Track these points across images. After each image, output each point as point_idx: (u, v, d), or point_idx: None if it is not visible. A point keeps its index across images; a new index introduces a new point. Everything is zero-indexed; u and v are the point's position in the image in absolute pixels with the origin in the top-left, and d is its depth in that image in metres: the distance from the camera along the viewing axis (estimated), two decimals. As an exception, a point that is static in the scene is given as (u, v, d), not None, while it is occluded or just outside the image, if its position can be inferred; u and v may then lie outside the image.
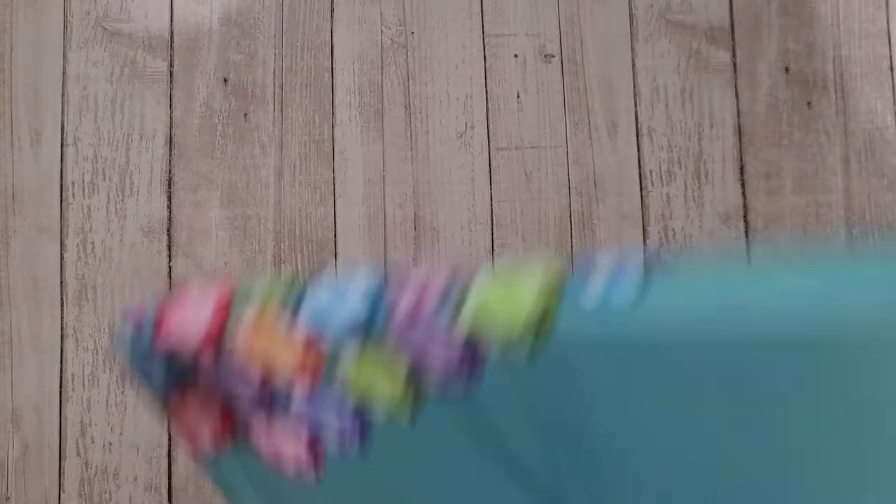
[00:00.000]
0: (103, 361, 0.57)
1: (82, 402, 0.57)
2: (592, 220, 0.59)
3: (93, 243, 0.57)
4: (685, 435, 0.27)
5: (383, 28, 0.61)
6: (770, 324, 0.25)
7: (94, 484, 0.57)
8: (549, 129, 0.60)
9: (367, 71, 0.60)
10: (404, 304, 0.28)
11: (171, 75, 0.59)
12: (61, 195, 0.58)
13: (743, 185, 0.61)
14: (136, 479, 0.56)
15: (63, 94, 0.58)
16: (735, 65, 0.62)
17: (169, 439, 0.57)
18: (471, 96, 0.60)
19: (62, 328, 0.57)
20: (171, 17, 0.60)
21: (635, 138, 0.60)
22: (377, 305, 0.29)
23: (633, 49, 0.61)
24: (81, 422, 0.57)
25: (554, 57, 0.61)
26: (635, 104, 0.61)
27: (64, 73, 0.59)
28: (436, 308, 0.27)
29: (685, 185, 0.60)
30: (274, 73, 0.59)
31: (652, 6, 0.62)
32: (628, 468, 0.28)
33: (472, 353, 0.26)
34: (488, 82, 0.61)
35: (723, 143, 0.61)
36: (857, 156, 0.61)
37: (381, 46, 0.60)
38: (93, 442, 0.57)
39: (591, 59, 0.61)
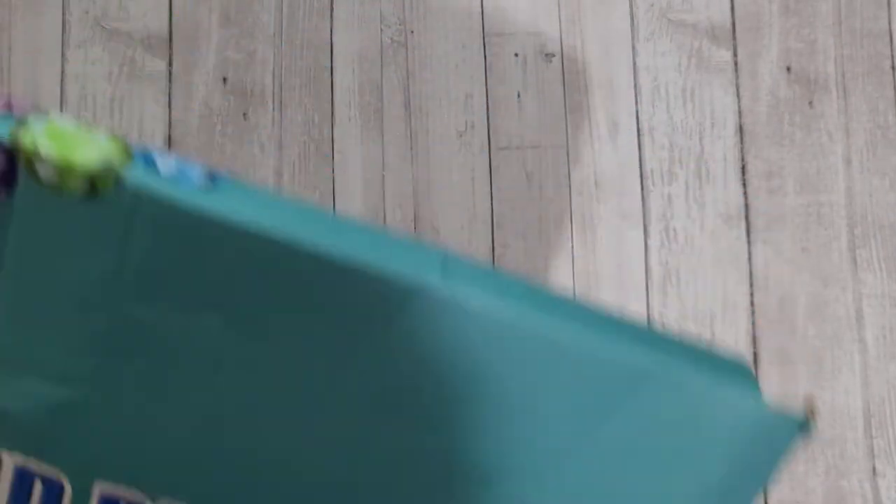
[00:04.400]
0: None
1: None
2: (593, 220, 0.58)
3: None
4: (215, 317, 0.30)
5: (383, 27, 0.61)
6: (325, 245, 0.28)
7: None
8: (550, 129, 0.60)
9: (366, 70, 0.60)
10: None
11: (169, 74, 0.59)
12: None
13: (744, 185, 0.61)
14: None
15: (62, 93, 0.58)
16: (736, 64, 0.62)
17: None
18: (471, 95, 0.60)
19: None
20: (170, 16, 0.60)
21: (636, 138, 0.60)
22: None
23: (633, 48, 0.61)
24: None
25: (554, 56, 0.61)
26: (636, 103, 0.60)
27: (62, 72, 0.59)
28: None
29: (686, 184, 0.60)
30: (273, 73, 0.59)
31: (653, 5, 0.62)
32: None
33: (10, 162, 0.27)
34: (488, 81, 0.61)
35: (724, 142, 0.61)
36: (859, 155, 0.61)
37: (381, 45, 0.60)
38: None
39: (591, 58, 0.61)
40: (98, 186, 0.27)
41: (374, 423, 0.30)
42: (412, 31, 0.61)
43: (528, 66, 0.61)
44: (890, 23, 0.62)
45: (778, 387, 0.58)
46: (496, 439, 0.30)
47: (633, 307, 0.58)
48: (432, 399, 0.30)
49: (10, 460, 0.31)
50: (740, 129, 0.61)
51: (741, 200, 0.60)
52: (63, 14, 0.60)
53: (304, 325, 0.30)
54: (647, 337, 0.31)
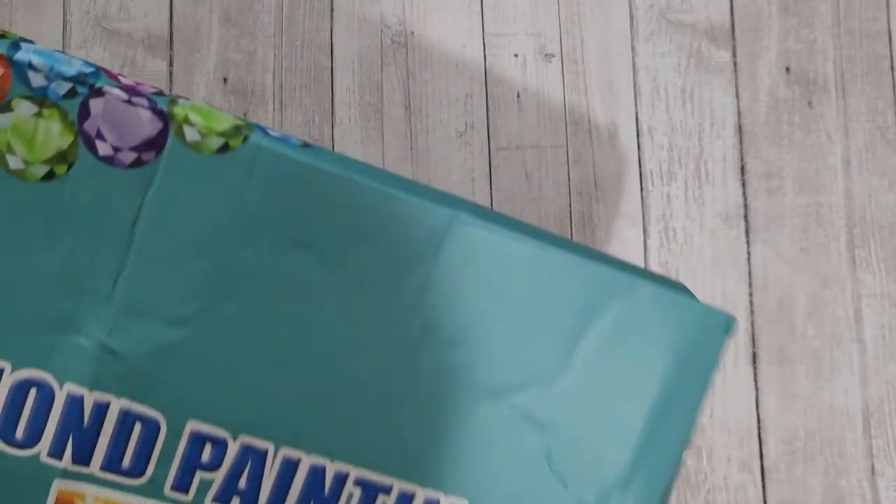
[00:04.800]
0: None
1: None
2: (592, 220, 0.58)
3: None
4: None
5: (383, 27, 0.61)
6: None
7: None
8: (550, 129, 0.60)
9: (366, 70, 0.60)
10: (123, 80, 0.36)
11: (170, 75, 0.59)
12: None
13: (743, 185, 0.61)
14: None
15: (62, 94, 0.58)
16: (735, 64, 0.62)
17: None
18: (471, 96, 0.60)
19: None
20: (171, 16, 0.60)
21: (635, 138, 0.60)
22: (98, 72, 0.35)
23: (633, 48, 0.61)
24: None
25: (554, 56, 0.61)
26: (635, 104, 0.61)
27: (63, 72, 0.59)
28: (148, 90, 0.35)
29: (685, 184, 0.60)
30: (273, 73, 0.59)
31: (652, 6, 0.62)
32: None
33: (163, 129, 0.35)
34: (488, 82, 0.61)
35: (723, 142, 0.61)
36: (858, 156, 0.61)
37: (381, 46, 0.60)
38: None
39: (591, 58, 0.61)
40: (230, 144, 0.35)
41: (414, 343, 0.37)
42: (412, 32, 0.61)
43: (528, 66, 0.61)
44: (889, 23, 0.63)
45: (777, 387, 0.58)
46: (509, 353, 0.38)
47: None
48: (460, 319, 0.38)
49: (118, 404, 0.36)
50: (739, 130, 0.61)
51: (740, 200, 0.60)
52: (63, 14, 0.60)
53: (374, 255, 0.37)
54: (611, 260, 0.40)
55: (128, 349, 0.36)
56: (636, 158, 0.60)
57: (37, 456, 0.36)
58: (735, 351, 0.58)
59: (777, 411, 0.58)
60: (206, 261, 0.36)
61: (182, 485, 0.37)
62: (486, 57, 0.61)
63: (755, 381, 0.58)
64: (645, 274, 0.41)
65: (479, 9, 0.62)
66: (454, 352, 0.38)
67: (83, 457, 0.36)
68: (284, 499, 0.37)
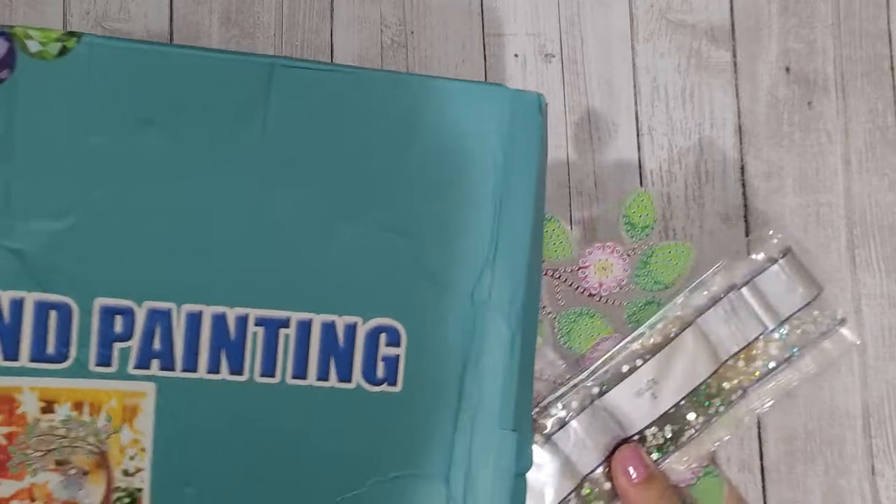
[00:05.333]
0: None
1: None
2: (592, 220, 0.58)
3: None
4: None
5: (383, 27, 0.61)
6: None
7: None
8: (549, 129, 0.60)
9: (366, 70, 0.60)
10: None
11: (170, 75, 0.59)
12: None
13: (743, 185, 0.61)
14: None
15: (62, 94, 0.58)
16: (735, 64, 0.62)
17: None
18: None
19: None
20: (171, 16, 0.60)
21: (635, 138, 0.60)
22: None
23: (633, 49, 0.61)
24: None
25: (554, 56, 0.61)
26: (635, 104, 0.61)
27: (63, 72, 0.59)
28: None
29: (685, 184, 0.60)
30: (273, 73, 0.59)
31: (652, 6, 0.62)
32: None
33: (10, 47, 0.40)
34: (488, 82, 0.61)
35: (723, 142, 0.61)
36: (858, 156, 0.61)
37: (381, 46, 0.60)
38: None
39: (591, 58, 0.61)
40: (67, 47, 0.41)
41: (268, 186, 0.42)
42: (412, 32, 0.61)
43: (528, 66, 0.61)
44: (889, 23, 0.63)
45: (777, 386, 0.58)
46: (354, 175, 0.43)
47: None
48: (303, 156, 0.43)
49: (31, 297, 0.40)
50: (739, 130, 0.61)
51: (740, 200, 0.60)
52: (63, 14, 0.60)
53: (211, 116, 0.42)
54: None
55: (28, 246, 0.40)
56: (636, 158, 0.60)
57: None
58: (735, 351, 0.58)
59: (777, 411, 0.58)
60: (71, 155, 0.41)
61: (104, 359, 0.41)
62: (486, 57, 0.61)
63: (755, 381, 0.58)
64: (460, 80, 0.47)
65: (479, 9, 0.62)
66: (306, 186, 0.42)
67: (11, 352, 0.40)
68: (197, 350, 0.41)
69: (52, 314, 0.40)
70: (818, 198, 0.61)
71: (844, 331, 0.52)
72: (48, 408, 0.41)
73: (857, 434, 0.58)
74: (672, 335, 0.50)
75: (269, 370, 0.42)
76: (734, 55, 0.62)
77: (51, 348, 0.40)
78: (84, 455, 0.41)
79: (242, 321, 0.41)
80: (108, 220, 0.41)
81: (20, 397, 0.40)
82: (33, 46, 0.40)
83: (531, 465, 0.46)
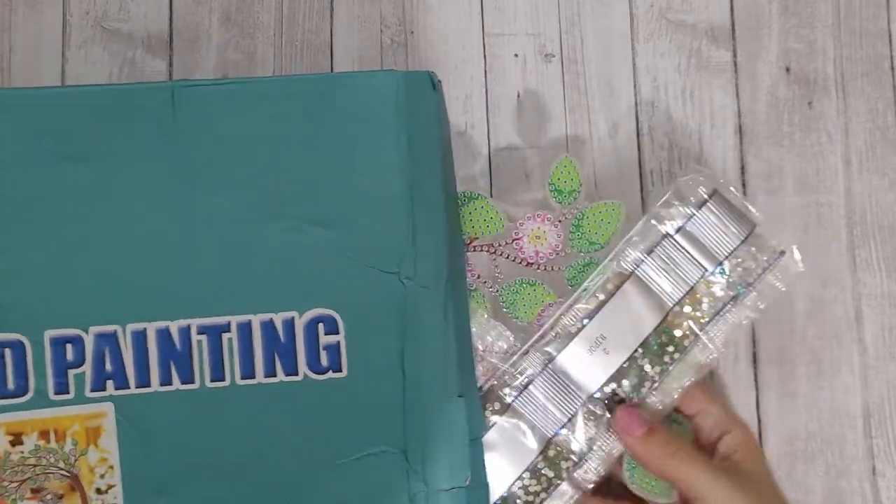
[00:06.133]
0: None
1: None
2: (593, 220, 0.58)
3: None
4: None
5: (383, 27, 0.61)
6: None
7: None
8: (549, 129, 0.60)
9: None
10: None
11: (170, 75, 0.59)
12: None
13: (744, 185, 0.61)
14: None
15: (62, 94, 0.58)
16: (736, 64, 0.62)
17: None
18: (470, 96, 0.60)
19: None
20: (171, 16, 0.60)
21: (636, 138, 0.60)
22: None
23: (633, 49, 0.61)
24: None
25: (554, 56, 0.61)
26: (636, 104, 0.60)
27: (63, 72, 0.59)
28: None
29: (686, 184, 0.60)
30: (273, 73, 0.59)
31: (652, 6, 0.62)
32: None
33: None
34: (488, 82, 0.61)
35: (723, 142, 0.61)
36: (859, 156, 0.61)
37: (381, 46, 0.60)
38: None
39: (591, 58, 0.61)
40: None
41: (187, 197, 0.45)
42: (412, 32, 0.61)
43: (528, 66, 0.61)
44: (889, 23, 0.63)
45: (777, 387, 0.58)
46: (267, 178, 0.45)
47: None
48: (214, 165, 0.45)
49: None
50: (740, 130, 0.61)
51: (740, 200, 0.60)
52: (63, 14, 0.60)
53: (121, 140, 0.45)
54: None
55: None
56: (636, 158, 0.60)
57: None
58: (736, 351, 0.58)
59: (777, 411, 0.58)
60: (4, 198, 0.44)
61: (61, 387, 0.43)
62: (486, 57, 0.61)
63: (755, 381, 0.58)
64: (353, 72, 0.52)
65: (479, 9, 0.61)
66: (225, 195, 0.45)
67: None
68: (147, 365, 0.43)
69: (7, 352, 0.43)
70: (818, 198, 0.60)
71: (787, 261, 0.52)
72: (16, 440, 0.43)
73: (858, 434, 0.58)
74: (614, 290, 0.50)
75: (218, 375, 0.44)
76: (734, 55, 0.62)
77: (10, 384, 0.43)
78: (57, 480, 0.43)
79: (185, 332, 0.43)
80: (43, 255, 0.43)
81: None
82: None
83: (483, 427, 0.48)
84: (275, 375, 0.44)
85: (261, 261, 0.44)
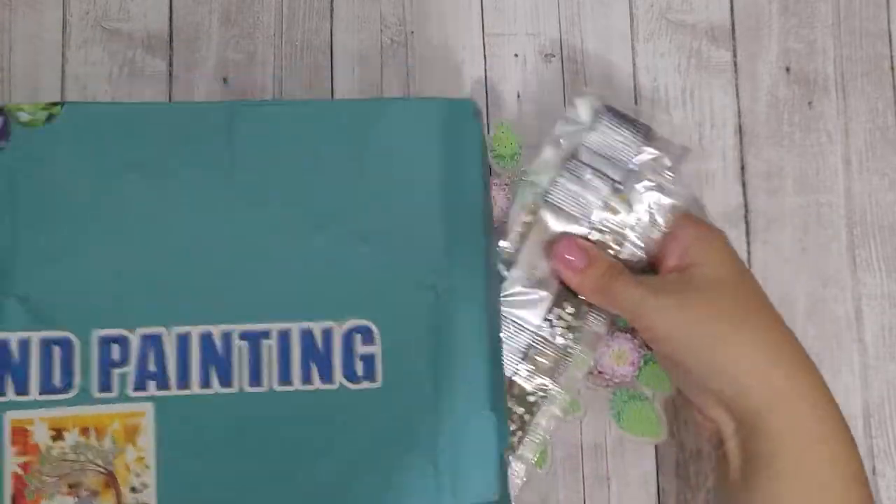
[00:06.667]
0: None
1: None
2: (593, 220, 0.58)
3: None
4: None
5: (383, 27, 0.61)
6: None
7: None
8: (550, 129, 0.60)
9: (366, 70, 0.60)
10: None
11: (170, 75, 0.59)
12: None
13: (743, 185, 0.61)
14: None
15: (62, 94, 0.58)
16: (736, 64, 0.62)
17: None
18: (470, 96, 0.60)
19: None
20: (171, 16, 0.60)
21: (636, 138, 0.60)
22: None
23: (633, 49, 0.61)
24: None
25: (554, 56, 0.61)
26: (636, 104, 0.61)
27: (63, 72, 0.59)
28: None
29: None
30: (273, 73, 0.59)
31: (652, 6, 0.62)
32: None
33: (5, 120, 0.47)
34: (488, 82, 0.61)
35: (723, 142, 0.61)
36: (859, 156, 0.61)
37: (381, 45, 0.60)
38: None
39: (591, 58, 0.61)
40: (53, 114, 0.48)
41: (241, 209, 0.47)
42: (412, 32, 0.61)
43: (528, 66, 0.61)
44: (889, 23, 0.63)
45: (777, 387, 0.58)
46: (318, 192, 0.48)
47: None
48: (269, 180, 0.48)
49: (36, 337, 0.45)
50: (740, 130, 0.61)
51: (740, 200, 0.60)
52: (63, 14, 0.60)
53: (185, 155, 0.48)
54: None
55: (31, 292, 0.45)
56: (636, 158, 0.60)
57: None
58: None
59: (777, 411, 0.58)
60: (65, 204, 0.46)
61: (105, 385, 0.45)
62: (486, 57, 0.61)
63: (755, 381, 0.58)
64: (401, 98, 0.56)
65: (479, 9, 0.61)
66: (274, 209, 0.47)
67: (22, 388, 0.44)
68: (188, 368, 0.45)
69: (56, 349, 0.45)
70: (818, 198, 0.60)
71: (690, 148, 0.53)
72: (58, 435, 0.44)
73: (858, 434, 0.58)
74: (531, 222, 0.51)
75: (256, 380, 0.45)
76: (734, 55, 0.62)
77: (56, 380, 0.44)
78: (93, 476, 0.44)
79: (227, 337, 0.45)
80: (100, 259, 0.46)
81: (32, 428, 0.44)
82: (23, 117, 0.47)
83: (509, 443, 0.49)
84: (311, 383, 0.45)
85: (303, 272, 0.46)
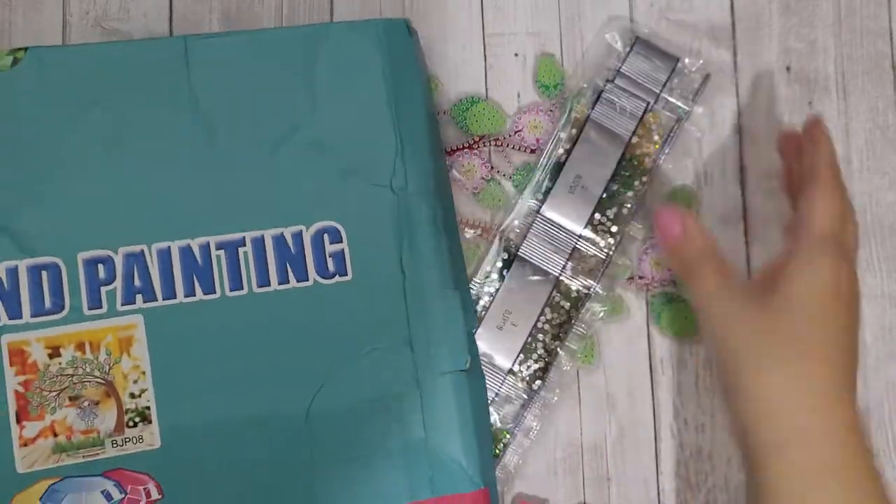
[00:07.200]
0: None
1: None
2: (592, 220, 0.58)
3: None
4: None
5: (383, 27, 0.61)
6: None
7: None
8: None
9: (366, 70, 0.60)
10: None
11: (170, 75, 0.59)
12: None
13: (743, 186, 0.61)
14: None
15: (62, 94, 0.58)
16: (736, 64, 0.62)
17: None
18: (470, 96, 0.60)
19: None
20: (171, 16, 0.60)
21: (635, 138, 0.60)
22: None
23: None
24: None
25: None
26: (636, 103, 0.60)
27: (63, 72, 0.59)
28: None
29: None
30: (273, 73, 0.59)
31: (652, 5, 0.62)
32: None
33: None
34: (488, 81, 0.61)
35: (723, 142, 0.61)
36: (859, 155, 0.61)
37: (381, 46, 0.60)
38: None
39: (591, 58, 0.61)
40: (17, 58, 0.50)
41: (205, 136, 0.50)
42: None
43: (528, 66, 0.61)
44: (890, 22, 0.62)
45: (777, 386, 0.58)
46: (273, 111, 0.52)
47: (634, 307, 0.58)
48: (230, 109, 0.51)
49: (23, 264, 0.48)
50: (739, 130, 0.61)
51: (739, 201, 0.60)
52: (63, 14, 0.60)
53: (145, 90, 0.51)
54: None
55: (12, 222, 0.48)
56: (636, 158, 0.59)
57: None
58: (735, 351, 0.58)
59: (777, 411, 0.58)
60: (37, 140, 0.49)
61: (95, 302, 0.48)
62: (486, 57, 0.61)
63: (755, 381, 0.58)
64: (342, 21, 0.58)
65: (479, 9, 0.61)
66: (233, 127, 0.51)
67: (15, 312, 0.47)
68: (172, 279, 0.49)
69: (44, 274, 0.48)
70: (818, 197, 0.60)
71: (713, 76, 0.60)
72: (54, 353, 0.48)
73: (857, 434, 0.58)
74: (576, 133, 0.57)
75: (236, 285, 0.49)
76: (734, 55, 0.62)
77: (48, 303, 0.48)
78: (93, 388, 0.48)
79: (206, 248, 0.49)
80: (77, 186, 0.49)
81: (29, 349, 0.47)
82: None
83: (476, 322, 0.54)
84: (288, 282, 0.49)
85: (269, 184, 0.50)
